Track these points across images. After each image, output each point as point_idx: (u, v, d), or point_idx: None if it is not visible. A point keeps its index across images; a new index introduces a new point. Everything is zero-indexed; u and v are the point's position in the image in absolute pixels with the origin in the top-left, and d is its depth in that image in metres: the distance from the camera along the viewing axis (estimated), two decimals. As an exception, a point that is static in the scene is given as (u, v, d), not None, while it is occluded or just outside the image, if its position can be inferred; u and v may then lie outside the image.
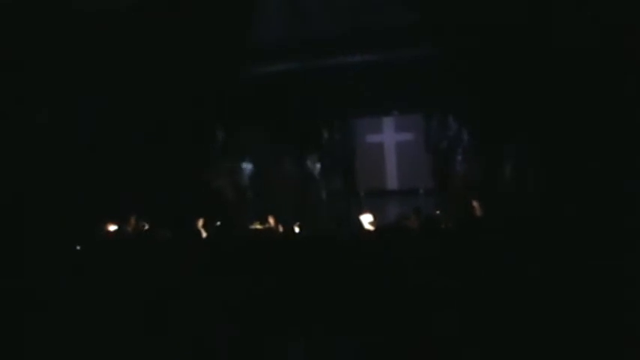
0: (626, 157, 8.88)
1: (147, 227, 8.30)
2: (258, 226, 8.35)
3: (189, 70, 11.12)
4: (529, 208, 9.42)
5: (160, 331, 4.62)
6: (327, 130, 13.54)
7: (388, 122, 14.09)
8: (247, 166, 12.69)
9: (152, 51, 10.75)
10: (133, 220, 8.52)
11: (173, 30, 10.73)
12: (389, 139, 14.08)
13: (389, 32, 11.70)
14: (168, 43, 10.81)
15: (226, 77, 11.78)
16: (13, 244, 6.51)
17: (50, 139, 10.09)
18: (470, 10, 10.53)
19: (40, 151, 9.92)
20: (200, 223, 7.98)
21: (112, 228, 8.22)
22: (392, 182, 14.15)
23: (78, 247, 6.45)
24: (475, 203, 8.48)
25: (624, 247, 4.83)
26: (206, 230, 7.79)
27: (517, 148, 10.71)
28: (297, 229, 7.83)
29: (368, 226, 7.92)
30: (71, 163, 10.10)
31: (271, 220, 8.64)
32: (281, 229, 7.98)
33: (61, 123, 10.25)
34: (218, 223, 7.95)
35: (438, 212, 9.16)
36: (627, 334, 4.07)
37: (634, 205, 7.35)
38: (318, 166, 12.94)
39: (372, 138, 14.16)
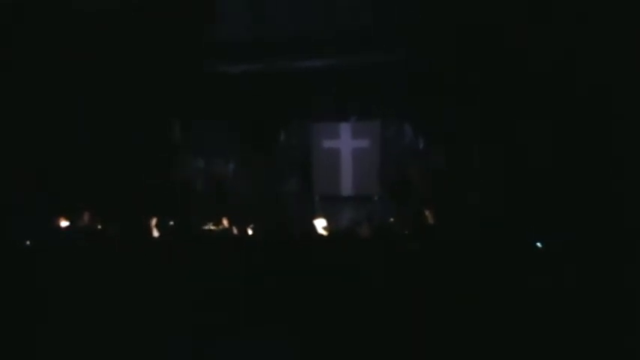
0: (582, 167, 9.10)
1: (100, 224, 8.22)
2: (212, 227, 8.34)
3: (146, 66, 11.07)
4: (483, 217, 9.55)
5: (109, 327, 4.60)
6: (285, 134, 13.57)
7: (345, 128, 14.17)
8: (204, 167, 12.65)
9: (109, 47, 10.72)
10: (86, 216, 8.43)
11: (133, 26, 10.72)
12: (346, 145, 14.16)
13: (350, 37, 11.78)
14: (127, 40, 10.80)
15: (184, 76, 11.73)
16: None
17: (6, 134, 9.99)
18: (429, 16, 10.68)
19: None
20: (153, 222, 7.93)
21: (65, 223, 8.14)
22: (347, 188, 14.23)
23: (28, 242, 6.37)
24: (428, 212, 8.57)
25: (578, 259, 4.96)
26: (159, 229, 7.76)
27: (473, 156, 10.86)
28: (250, 232, 7.85)
29: (321, 231, 7.97)
30: (27, 158, 10.01)
31: (225, 222, 8.64)
32: (235, 230, 7.97)
33: (16, 117, 10.13)
34: (171, 222, 7.92)
35: (391, 220, 9.24)
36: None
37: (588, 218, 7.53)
38: (275, 169, 12.97)
39: (329, 143, 14.23)
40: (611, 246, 5.12)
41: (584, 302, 4.34)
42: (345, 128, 14.13)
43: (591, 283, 4.54)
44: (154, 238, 7.41)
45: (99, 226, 8.08)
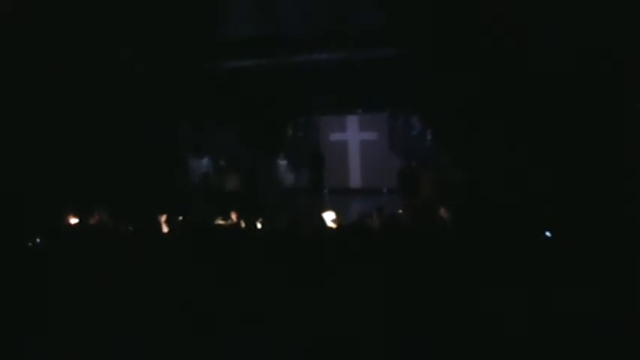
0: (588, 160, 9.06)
1: (110, 221, 8.24)
2: (221, 222, 8.34)
3: (154, 65, 11.08)
4: (491, 208, 9.54)
5: (120, 322, 4.62)
6: (292, 128, 13.58)
7: (352, 121, 14.17)
8: (211, 162, 12.66)
9: (117, 45, 10.74)
10: (96, 214, 8.45)
11: (138, 23, 10.72)
12: (353, 137, 14.16)
13: (356, 32, 11.76)
14: (133, 37, 10.81)
15: (191, 73, 11.75)
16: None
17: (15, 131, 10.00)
18: (436, 12, 10.65)
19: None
20: (163, 218, 7.96)
21: (75, 221, 8.16)
22: (355, 181, 14.24)
23: (38, 240, 6.41)
24: (437, 204, 8.54)
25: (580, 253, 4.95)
26: (168, 225, 7.79)
27: (481, 148, 10.84)
28: (259, 225, 7.85)
29: (330, 224, 7.96)
30: (36, 156, 10.03)
31: (234, 216, 8.64)
32: (243, 225, 7.98)
33: (24, 113, 10.14)
34: (180, 218, 7.95)
35: (400, 211, 9.23)
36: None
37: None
38: (282, 163, 12.99)
39: (336, 136, 14.23)
40: (616, 241, 5.12)
41: (589, 298, 4.34)
42: (352, 120, 14.14)
43: (596, 277, 4.55)
44: (164, 234, 7.44)
45: (109, 224, 8.11)
